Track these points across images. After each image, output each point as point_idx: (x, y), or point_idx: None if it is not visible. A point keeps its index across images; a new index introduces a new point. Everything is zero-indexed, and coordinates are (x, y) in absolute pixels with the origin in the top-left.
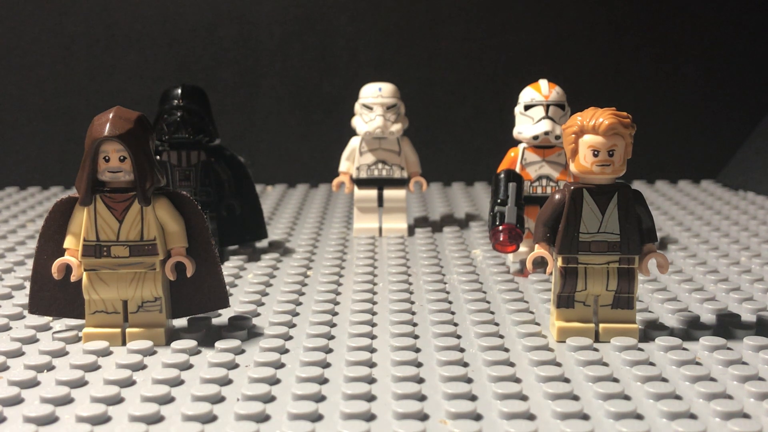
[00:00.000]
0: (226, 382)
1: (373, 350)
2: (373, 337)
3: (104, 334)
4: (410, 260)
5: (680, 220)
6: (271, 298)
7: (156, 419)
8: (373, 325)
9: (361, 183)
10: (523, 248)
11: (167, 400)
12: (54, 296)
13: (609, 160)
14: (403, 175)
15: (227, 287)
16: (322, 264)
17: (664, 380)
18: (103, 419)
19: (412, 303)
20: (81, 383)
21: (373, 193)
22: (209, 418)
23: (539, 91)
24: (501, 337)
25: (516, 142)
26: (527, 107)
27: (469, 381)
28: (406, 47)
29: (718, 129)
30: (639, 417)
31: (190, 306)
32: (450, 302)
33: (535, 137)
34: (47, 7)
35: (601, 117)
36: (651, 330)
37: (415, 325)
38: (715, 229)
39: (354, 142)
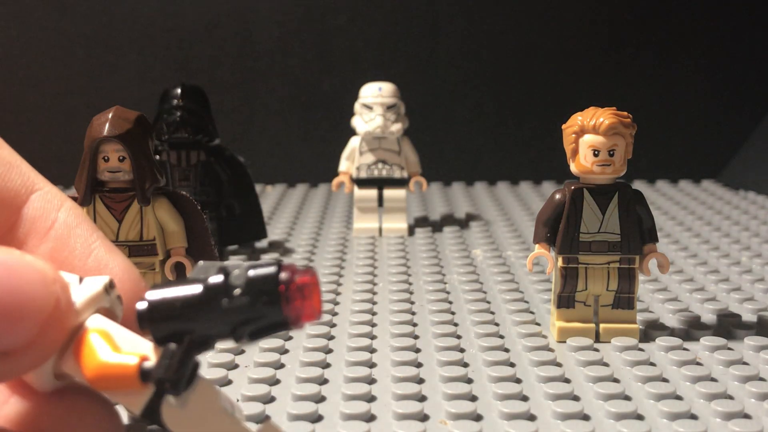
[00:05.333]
0: (226, 382)
1: (373, 350)
2: (373, 338)
3: None
4: (410, 260)
5: (681, 220)
6: None
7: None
8: (373, 325)
9: (361, 183)
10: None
11: None
12: None
13: (609, 160)
14: (403, 174)
15: None
16: (322, 264)
17: (665, 380)
18: None
19: (412, 303)
20: None
21: (373, 193)
22: None
23: None
24: (501, 337)
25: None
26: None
27: (470, 381)
28: (406, 47)
29: (719, 129)
30: (640, 417)
31: None
32: (450, 302)
33: None
34: (47, 7)
35: (601, 117)
36: (651, 330)
37: (415, 325)
38: (716, 229)
39: (354, 142)
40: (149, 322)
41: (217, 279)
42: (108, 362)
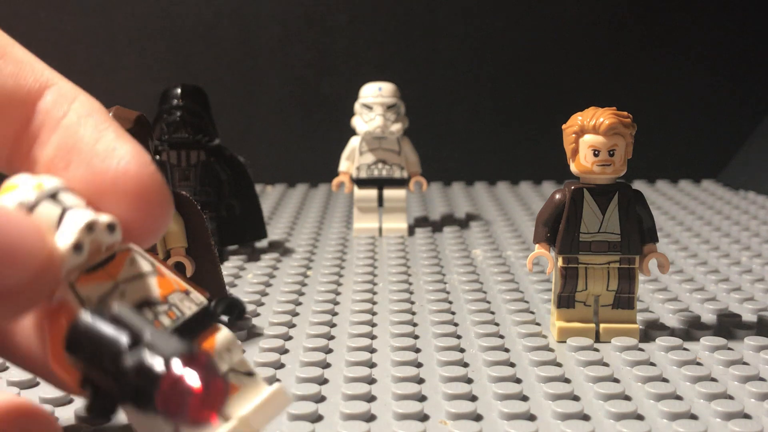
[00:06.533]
0: None
1: (373, 350)
2: (373, 337)
3: None
4: (410, 260)
5: (681, 220)
6: (271, 298)
7: None
8: (373, 325)
9: (361, 183)
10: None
11: None
12: None
13: (609, 160)
14: (403, 174)
15: (227, 287)
16: (322, 264)
17: (665, 381)
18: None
19: (412, 303)
20: None
21: (373, 192)
22: None
23: None
24: (501, 337)
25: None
26: None
27: (470, 381)
28: (406, 47)
29: (719, 129)
30: (640, 417)
31: None
32: (450, 302)
33: None
34: (47, 7)
35: (601, 117)
36: (652, 330)
37: (415, 325)
38: (716, 229)
39: (354, 142)
40: (71, 352)
41: (117, 352)
42: (56, 363)
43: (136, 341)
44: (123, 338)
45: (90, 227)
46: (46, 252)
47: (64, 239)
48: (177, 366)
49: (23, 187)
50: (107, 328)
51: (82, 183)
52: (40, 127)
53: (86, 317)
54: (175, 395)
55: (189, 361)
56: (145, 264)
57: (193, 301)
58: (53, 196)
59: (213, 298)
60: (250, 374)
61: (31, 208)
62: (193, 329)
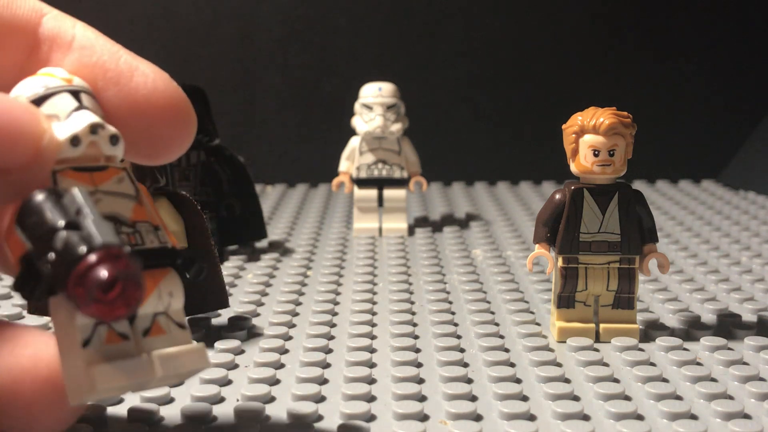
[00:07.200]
0: (225, 382)
1: (373, 350)
2: (373, 338)
3: None
4: (410, 260)
5: (681, 220)
6: (271, 298)
7: (156, 420)
8: (373, 325)
9: (361, 183)
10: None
11: (167, 400)
12: None
13: (609, 160)
14: (403, 174)
15: (227, 287)
16: (322, 264)
17: (665, 381)
18: (103, 420)
19: (412, 303)
20: None
21: (373, 193)
22: (209, 419)
23: None
24: (501, 337)
25: None
26: None
27: (470, 381)
28: (406, 47)
29: (719, 129)
30: (640, 417)
31: (189, 306)
32: (450, 302)
33: None
34: None
35: (601, 117)
36: (652, 330)
37: (415, 325)
38: (716, 229)
39: (354, 142)
40: (18, 224)
41: (53, 230)
42: (8, 238)
43: (77, 226)
44: (62, 219)
45: (93, 128)
46: (40, 133)
47: (65, 130)
48: (97, 254)
49: (56, 75)
50: (52, 208)
51: (113, 102)
52: (49, 51)
53: (38, 195)
54: (85, 282)
55: (112, 255)
56: (130, 188)
57: (158, 238)
58: (76, 93)
59: (184, 251)
60: (181, 326)
61: (50, 93)
62: (147, 262)
